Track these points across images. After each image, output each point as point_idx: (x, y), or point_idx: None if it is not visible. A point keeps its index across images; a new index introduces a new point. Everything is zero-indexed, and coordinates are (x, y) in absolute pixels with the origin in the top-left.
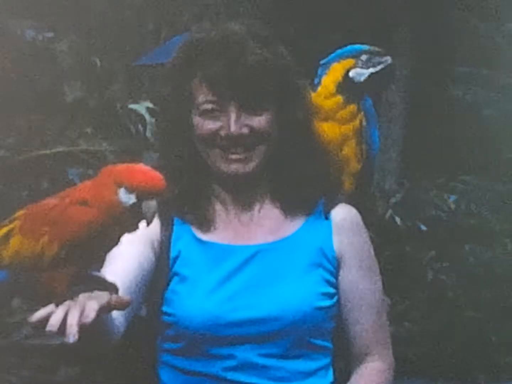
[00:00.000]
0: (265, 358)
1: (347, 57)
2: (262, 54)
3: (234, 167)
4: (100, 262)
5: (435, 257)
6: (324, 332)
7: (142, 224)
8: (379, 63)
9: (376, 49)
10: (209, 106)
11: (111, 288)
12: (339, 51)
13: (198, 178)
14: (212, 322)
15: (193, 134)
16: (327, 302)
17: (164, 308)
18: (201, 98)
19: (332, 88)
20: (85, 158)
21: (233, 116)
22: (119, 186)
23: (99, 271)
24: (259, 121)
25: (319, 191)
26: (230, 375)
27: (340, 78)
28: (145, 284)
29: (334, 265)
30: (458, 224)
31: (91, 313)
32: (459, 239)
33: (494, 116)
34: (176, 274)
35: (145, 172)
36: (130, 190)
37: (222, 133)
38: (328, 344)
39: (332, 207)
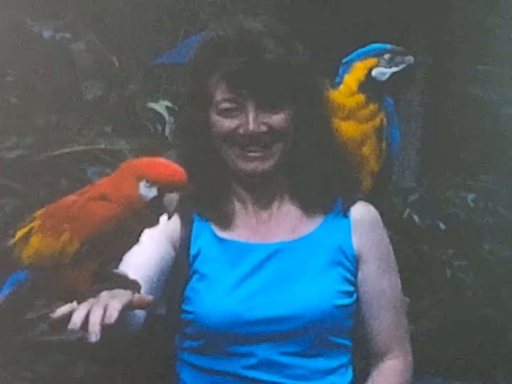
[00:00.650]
0: (285, 356)
1: (370, 56)
2: (280, 52)
3: (252, 165)
4: (120, 258)
5: (454, 255)
6: (343, 330)
7: (163, 219)
8: (402, 63)
9: (399, 48)
10: (228, 104)
11: (134, 286)
12: (361, 50)
13: (217, 176)
14: (232, 320)
15: (212, 132)
16: (346, 300)
17: (184, 306)
18: (219, 96)
19: (354, 86)
20: (104, 157)
21: (251, 114)
22: (140, 180)
23: (118, 267)
24: (277, 119)
25: (337, 189)
26: (250, 373)
27: (362, 77)
28: (165, 280)
29: (353, 264)
30: (477, 223)
31: (114, 313)
32: (478, 238)
33: None
34: (196, 272)
35: (166, 165)
36: (151, 184)
37: (241, 131)
38: (348, 342)
39: (351, 205)
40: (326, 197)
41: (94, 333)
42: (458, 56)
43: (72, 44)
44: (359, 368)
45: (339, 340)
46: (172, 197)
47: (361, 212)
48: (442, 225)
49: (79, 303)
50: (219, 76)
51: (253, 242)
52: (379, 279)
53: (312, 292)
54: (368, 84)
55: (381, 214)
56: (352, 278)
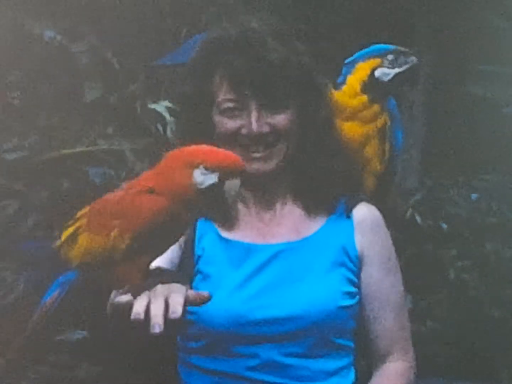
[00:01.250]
0: (288, 357)
1: (373, 56)
2: (283, 52)
3: (255, 165)
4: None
5: (457, 255)
6: (346, 332)
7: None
8: (405, 63)
9: (402, 49)
10: (230, 104)
11: (184, 281)
12: (364, 50)
13: None
14: (235, 320)
15: (214, 132)
16: (349, 301)
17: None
18: (222, 96)
19: (357, 87)
20: (105, 158)
21: (254, 115)
22: (195, 167)
23: None
24: (280, 119)
25: (340, 190)
26: (253, 374)
27: (365, 78)
28: None
29: (356, 264)
30: (480, 223)
31: (178, 308)
32: (481, 238)
33: None
34: (199, 272)
35: (223, 152)
36: (211, 170)
37: (243, 131)
38: (350, 344)
39: (354, 206)
40: (329, 197)
41: (158, 325)
42: (461, 56)
43: (73, 45)
44: (362, 370)
45: (342, 341)
46: (236, 183)
47: (364, 212)
48: (444, 225)
49: (134, 297)
50: (222, 76)
51: (256, 242)
52: (382, 280)
53: (316, 293)
54: (371, 85)
55: (383, 215)
56: (355, 279)
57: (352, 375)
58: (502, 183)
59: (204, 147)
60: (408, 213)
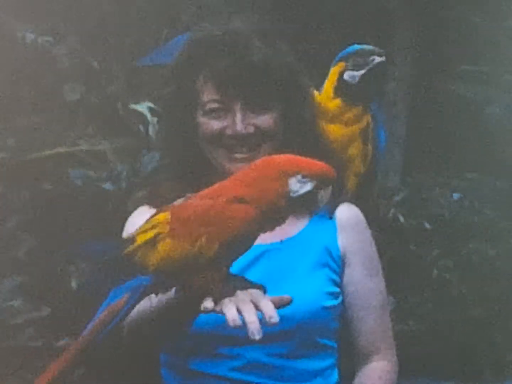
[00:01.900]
0: (273, 357)
1: (339, 60)
2: (267, 53)
3: (239, 166)
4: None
5: (439, 255)
6: (330, 332)
7: None
8: (366, 64)
9: (364, 48)
10: (214, 105)
11: (259, 286)
12: (339, 54)
13: (202, 177)
14: (219, 322)
15: (198, 133)
16: (333, 302)
17: None
18: (206, 97)
19: (330, 91)
20: (86, 159)
21: (238, 115)
22: (292, 176)
23: None
24: (264, 120)
25: None
26: (238, 375)
27: (335, 82)
28: None
29: (339, 264)
30: (462, 222)
31: (274, 312)
32: (463, 237)
33: (497, 113)
34: None
35: (316, 161)
36: (309, 178)
37: (228, 132)
38: (334, 344)
39: (336, 206)
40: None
41: (258, 330)
42: (443, 56)
43: (53, 47)
44: (345, 370)
45: (326, 342)
46: (327, 192)
47: (346, 213)
48: (427, 225)
49: (215, 303)
50: (206, 76)
51: None
52: (364, 281)
53: (300, 294)
54: (342, 88)
55: (366, 215)
56: (338, 280)
57: (335, 375)
58: (484, 183)
59: (295, 156)
60: (391, 213)
